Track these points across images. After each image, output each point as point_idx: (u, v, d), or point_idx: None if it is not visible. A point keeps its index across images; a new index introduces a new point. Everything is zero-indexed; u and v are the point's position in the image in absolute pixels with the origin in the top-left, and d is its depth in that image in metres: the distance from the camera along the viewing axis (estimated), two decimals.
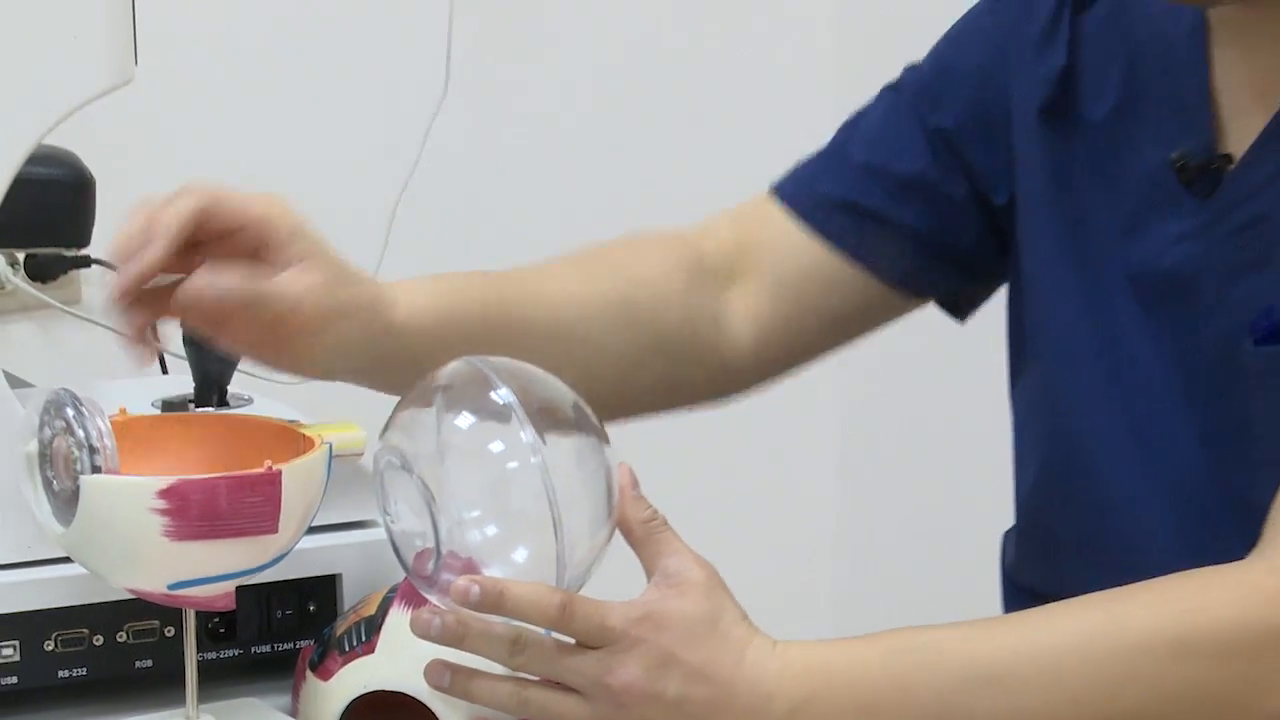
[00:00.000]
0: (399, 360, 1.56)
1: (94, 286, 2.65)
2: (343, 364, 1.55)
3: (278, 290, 1.48)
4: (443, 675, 1.40)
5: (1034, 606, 1.51)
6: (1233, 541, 1.46)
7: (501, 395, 1.40)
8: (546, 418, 1.40)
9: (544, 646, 1.38)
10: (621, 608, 1.38)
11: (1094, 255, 1.63)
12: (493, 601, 1.35)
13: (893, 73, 1.76)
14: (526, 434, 1.38)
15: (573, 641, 1.38)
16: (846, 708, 1.40)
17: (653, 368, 1.75)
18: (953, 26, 1.77)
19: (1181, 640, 1.39)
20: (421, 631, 1.38)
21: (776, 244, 1.78)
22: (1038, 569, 1.68)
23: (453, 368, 1.43)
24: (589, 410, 1.44)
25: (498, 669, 1.39)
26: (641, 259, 1.78)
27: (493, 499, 1.41)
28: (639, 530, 1.41)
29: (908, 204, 1.73)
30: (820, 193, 1.77)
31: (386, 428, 1.42)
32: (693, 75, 3.01)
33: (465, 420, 1.41)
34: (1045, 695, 1.40)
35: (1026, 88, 1.68)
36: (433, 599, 1.39)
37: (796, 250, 1.77)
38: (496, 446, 1.40)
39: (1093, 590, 1.44)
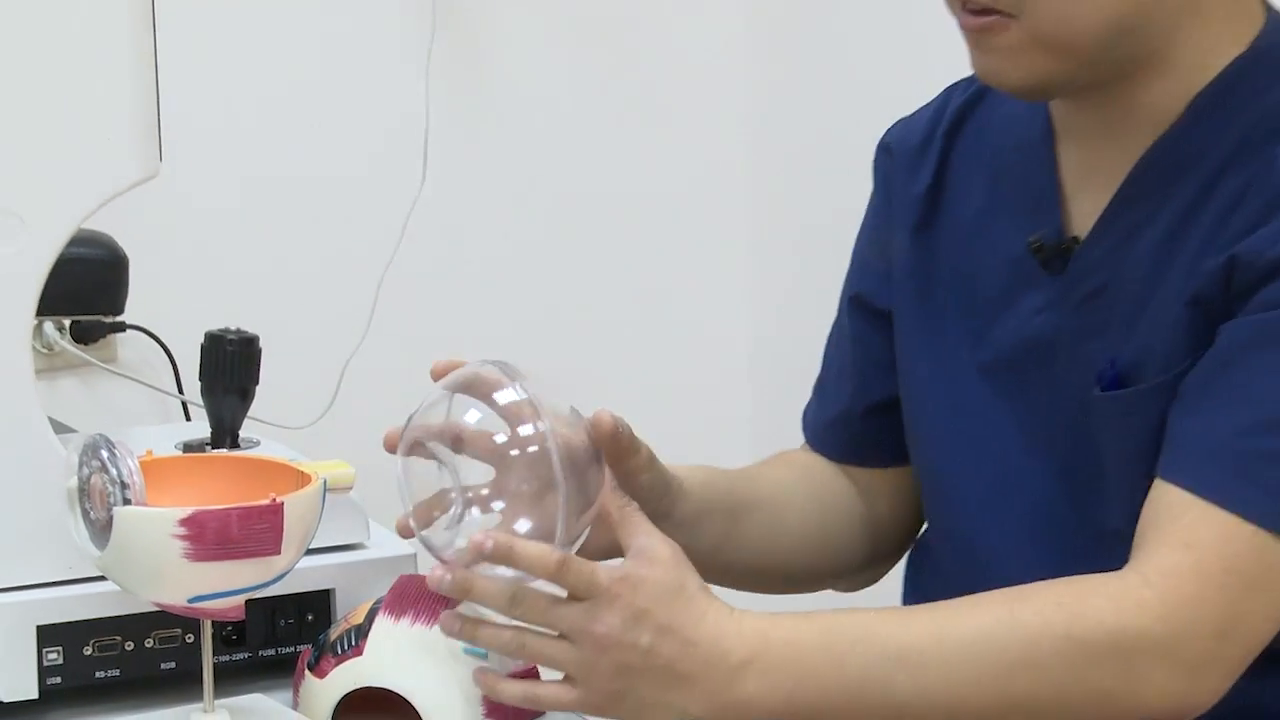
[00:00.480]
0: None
1: (128, 348, 2.64)
2: None
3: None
4: (454, 624, 1.42)
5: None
6: (1089, 565, 1.45)
7: (519, 390, 1.42)
8: (553, 414, 1.42)
9: (538, 598, 1.39)
10: (606, 568, 1.40)
11: (949, 350, 1.63)
12: (503, 554, 1.37)
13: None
14: (544, 424, 1.40)
15: (564, 595, 1.40)
16: (789, 670, 1.41)
17: (830, 530, 1.75)
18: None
19: (1068, 637, 1.39)
20: (434, 585, 1.39)
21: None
22: (930, 589, 1.66)
23: (470, 368, 1.45)
24: (579, 412, 1.46)
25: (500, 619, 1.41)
26: (808, 461, 1.79)
27: (505, 479, 1.43)
28: (616, 514, 1.43)
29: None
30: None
31: (410, 421, 1.43)
32: (633, 172, 3.00)
33: (479, 413, 1.43)
34: (951, 675, 1.40)
35: (903, 213, 1.69)
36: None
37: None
38: (518, 434, 1.41)
39: None
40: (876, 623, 1.44)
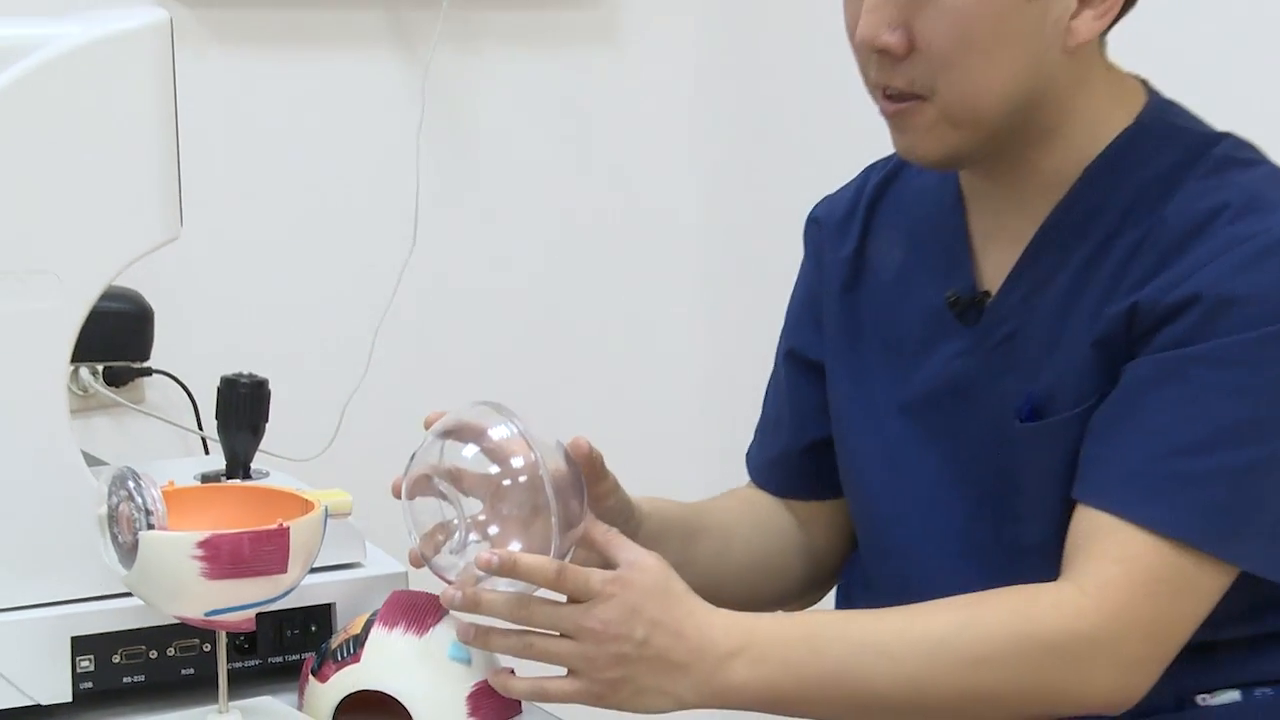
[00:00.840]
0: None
1: (154, 390, 2.62)
2: None
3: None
4: (469, 632, 1.44)
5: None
6: (1008, 579, 1.47)
7: (510, 427, 1.45)
8: (540, 445, 1.45)
9: (541, 604, 1.42)
10: (600, 572, 1.42)
11: (876, 394, 1.64)
12: (507, 567, 1.40)
13: None
14: (534, 454, 1.43)
15: (564, 600, 1.42)
16: (773, 660, 1.43)
17: (772, 557, 1.77)
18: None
19: (1021, 638, 1.41)
20: (447, 603, 1.44)
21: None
22: (863, 604, 1.66)
23: (458, 413, 1.47)
24: (561, 444, 1.48)
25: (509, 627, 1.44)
26: (753, 495, 1.81)
27: (499, 506, 1.45)
28: (601, 539, 1.46)
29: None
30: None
31: (412, 461, 1.46)
32: (598, 233, 3.01)
33: (473, 449, 1.46)
34: (921, 668, 1.42)
35: (832, 276, 1.69)
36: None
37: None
38: (510, 465, 1.44)
39: None
40: (854, 620, 1.48)
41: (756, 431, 1.82)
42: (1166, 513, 1.42)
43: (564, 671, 1.45)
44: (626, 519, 1.61)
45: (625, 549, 1.46)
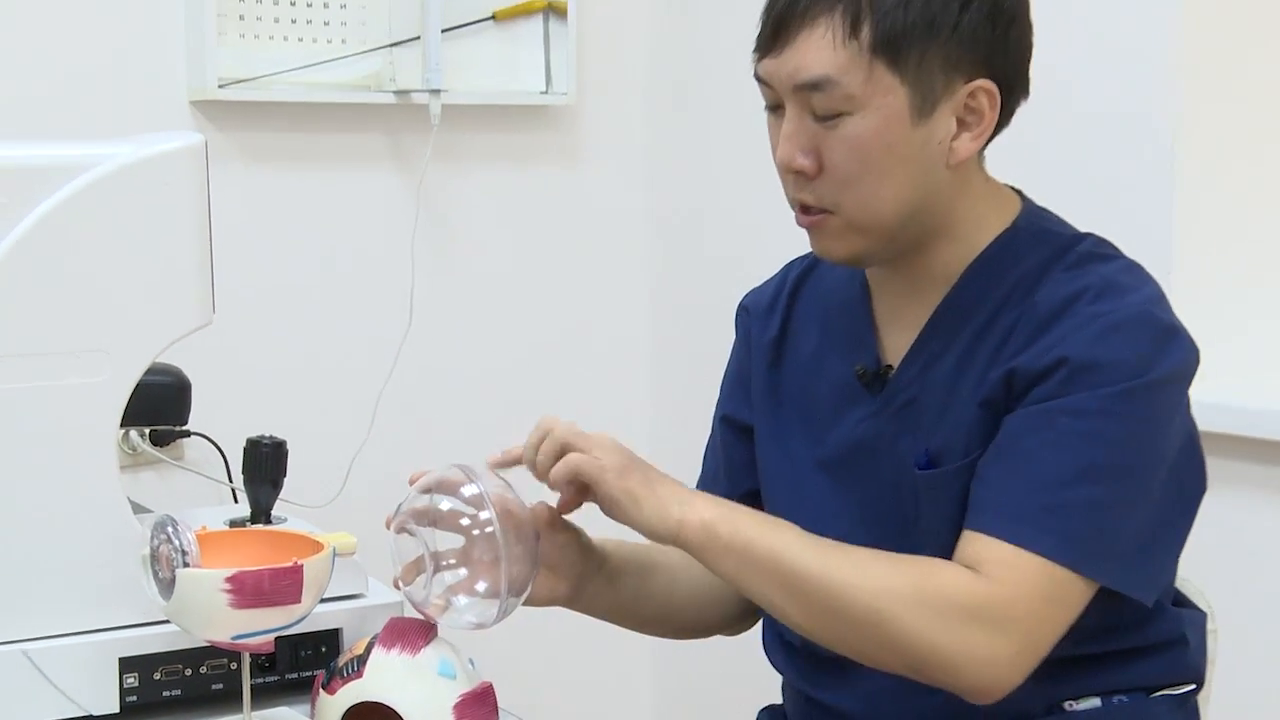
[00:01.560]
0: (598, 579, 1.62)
1: (192, 449, 2.61)
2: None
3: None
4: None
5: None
6: None
7: (478, 487, 1.45)
8: (501, 502, 1.45)
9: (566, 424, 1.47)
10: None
11: (795, 452, 1.63)
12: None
13: None
14: (488, 514, 1.43)
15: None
16: (726, 509, 1.46)
17: (713, 590, 1.73)
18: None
19: (922, 585, 1.40)
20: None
21: None
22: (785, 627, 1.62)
23: (440, 472, 1.47)
24: (520, 498, 1.47)
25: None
26: None
27: (469, 550, 1.44)
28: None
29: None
30: None
31: (399, 510, 1.46)
32: (561, 319, 3.01)
33: (450, 502, 1.45)
34: (842, 569, 1.41)
35: (759, 355, 1.69)
36: (425, 612, 1.44)
37: None
38: (476, 518, 1.44)
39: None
40: (803, 531, 1.46)
41: (698, 485, 1.79)
42: (1041, 536, 1.41)
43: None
44: (592, 554, 1.60)
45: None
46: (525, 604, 1.50)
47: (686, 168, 2.98)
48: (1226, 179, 2.21)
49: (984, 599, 1.40)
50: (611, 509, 1.46)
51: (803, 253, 1.68)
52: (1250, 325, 2.24)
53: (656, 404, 3.04)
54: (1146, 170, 2.17)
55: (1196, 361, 1.48)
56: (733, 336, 1.77)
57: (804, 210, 1.50)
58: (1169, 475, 1.47)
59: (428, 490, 1.47)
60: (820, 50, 1.44)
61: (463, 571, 1.45)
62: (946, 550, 1.47)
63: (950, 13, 1.44)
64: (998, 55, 1.47)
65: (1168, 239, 2.15)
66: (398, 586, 1.48)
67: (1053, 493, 1.42)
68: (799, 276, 1.70)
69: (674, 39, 2.97)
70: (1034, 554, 1.41)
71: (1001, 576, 1.41)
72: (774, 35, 1.47)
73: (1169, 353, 1.45)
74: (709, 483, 1.77)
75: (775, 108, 1.51)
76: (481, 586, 1.44)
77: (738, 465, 1.73)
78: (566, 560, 1.57)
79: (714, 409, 1.78)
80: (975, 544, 1.44)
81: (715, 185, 2.91)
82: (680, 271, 3.01)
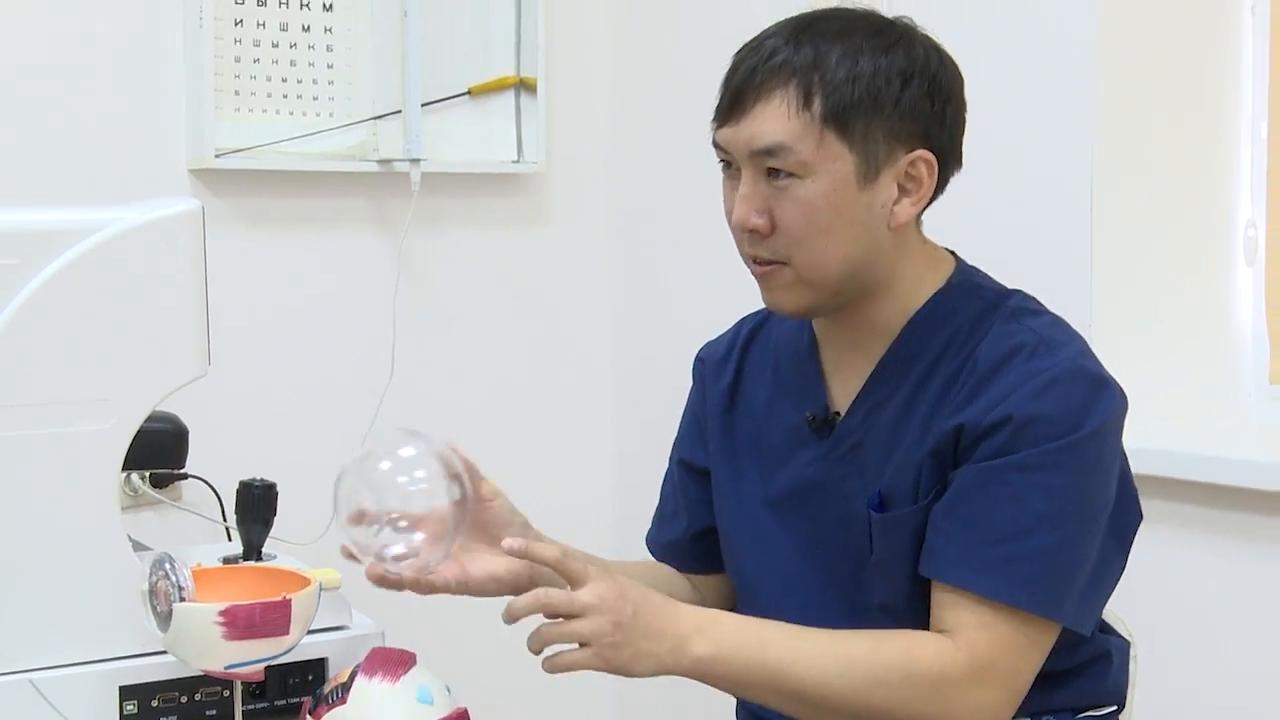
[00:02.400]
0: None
1: (189, 490, 2.59)
2: None
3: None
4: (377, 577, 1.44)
5: None
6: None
7: (416, 446, 1.44)
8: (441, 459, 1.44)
9: (556, 592, 1.38)
10: (588, 562, 1.41)
11: (748, 492, 1.63)
12: (541, 602, 1.38)
13: None
14: (433, 469, 1.43)
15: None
16: (726, 643, 1.41)
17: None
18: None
19: (908, 672, 1.41)
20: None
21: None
22: None
23: (387, 431, 1.47)
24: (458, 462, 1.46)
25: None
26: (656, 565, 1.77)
27: (407, 504, 1.43)
28: (553, 560, 1.40)
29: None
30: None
31: (343, 471, 1.45)
32: (528, 369, 3.00)
33: (390, 460, 1.44)
34: (835, 679, 1.41)
35: (714, 402, 1.68)
36: (366, 559, 1.43)
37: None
38: (412, 474, 1.43)
39: None
40: (794, 633, 1.44)
41: (655, 519, 1.79)
42: (1002, 585, 1.42)
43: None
44: (510, 520, 1.55)
45: (576, 559, 1.42)
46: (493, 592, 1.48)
47: (645, 230, 2.99)
48: (1137, 241, 2.23)
49: (966, 665, 1.42)
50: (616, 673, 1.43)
51: (752, 309, 1.68)
52: (1167, 375, 2.25)
53: (619, 444, 3.04)
54: (1067, 231, 2.19)
55: (1125, 407, 1.49)
56: (687, 383, 1.76)
57: (757, 262, 1.51)
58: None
59: (373, 449, 1.46)
60: (775, 120, 1.45)
61: (401, 524, 1.43)
62: (896, 582, 1.48)
63: (893, 89, 1.45)
64: (935, 128, 1.48)
65: (1088, 296, 2.16)
66: (343, 535, 1.45)
67: (1007, 544, 1.42)
68: (751, 330, 1.70)
69: (634, 113, 2.99)
70: (1002, 604, 1.42)
71: (975, 639, 1.42)
72: (732, 106, 1.48)
73: (1101, 402, 1.46)
74: (668, 518, 1.76)
75: (731, 172, 1.51)
76: (420, 536, 1.42)
77: (694, 503, 1.72)
78: (500, 521, 1.53)
79: (671, 449, 1.77)
80: (943, 594, 1.45)
81: (671, 246, 2.92)
82: (638, 324, 3.02)
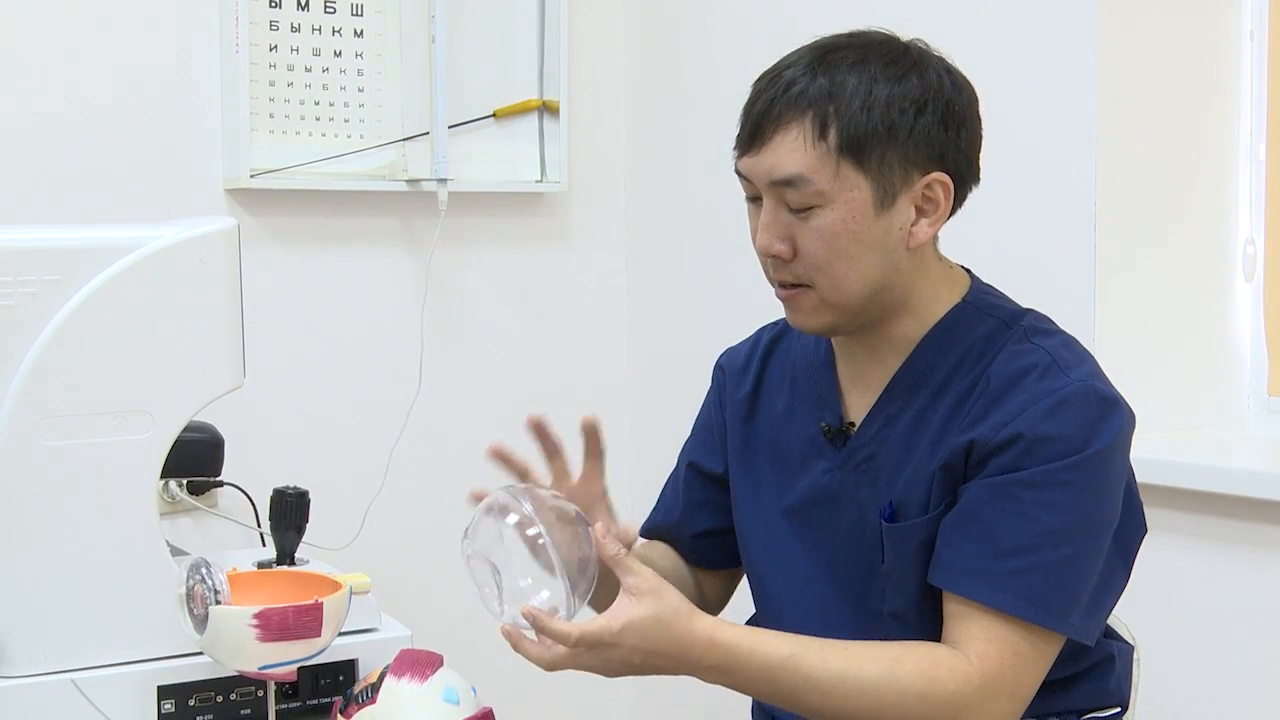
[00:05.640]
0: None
1: (225, 498, 2.60)
2: None
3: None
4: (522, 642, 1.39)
5: None
6: (868, 637, 1.46)
7: (525, 509, 1.38)
8: (558, 516, 1.39)
9: (563, 650, 1.36)
10: (607, 628, 1.36)
11: (764, 500, 1.62)
12: (537, 625, 1.35)
13: None
14: (538, 529, 1.37)
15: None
16: (737, 677, 1.40)
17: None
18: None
19: (922, 693, 1.39)
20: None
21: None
22: None
23: (499, 493, 1.42)
24: (582, 513, 1.42)
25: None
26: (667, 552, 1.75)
27: (528, 566, 1.39)
28: (609, 559, 1.38)
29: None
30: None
31: (467, 533, 1.40)
32: (552, 379, 3.01)
33: (507, 525, 1.39)
34: (847, 702, 1.40)
35: (733, 410, 1.68)
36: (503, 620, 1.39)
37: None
38: (528, 537, 1.38)
39: None
40: (805, 659, 1.41)
41: (654, 508, 1.78)
42: (1010, 599, 1.41)
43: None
44: (606, 507, 1.56)
45: (630, 572, 1.39)
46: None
47: (663, 246, 3.00)
48: (1139, 258, 2.22)
49: (977, 679, 1.41)
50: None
51: (764, 320, 1.68)
52: (1168, 387, 2.24)
53: (636, 456, 3.04)
54: (1071, 247, 2.18)
55: (1133, 426, 1.48)
56: (701, 390, 1.76)
57: (782, 286, 1.50)
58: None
59: (489, 513, 1.41)
60: (793, 151, 1.44)
61: (527, 583, 1.39)
62: (906, 591, 1.48)
63: (907, 118, 1.44)
64: (950, 151, 1.47)
65: (1091, 310, 2.16)
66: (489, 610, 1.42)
67: (1019, 558, 1.42)
68: (770, 341, 1.69)
69: (652, 135, 3.00)
70: (1010, 616, 1.41)
71: (985, 651, 1.41)
72: (751, 137, 1.47)
73: (1110, 421, 1.45)
74: (666, 510, 1.75)
75: (754, 199, 1.51)
76: (545, 595, 1.38)
77: (696, 505, 1.72)
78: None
79: (682, 448, 1.77)
80: (954, 604, 1.44)
81: (687, 263, 2.92)
82: (656, 338, 3.02)
